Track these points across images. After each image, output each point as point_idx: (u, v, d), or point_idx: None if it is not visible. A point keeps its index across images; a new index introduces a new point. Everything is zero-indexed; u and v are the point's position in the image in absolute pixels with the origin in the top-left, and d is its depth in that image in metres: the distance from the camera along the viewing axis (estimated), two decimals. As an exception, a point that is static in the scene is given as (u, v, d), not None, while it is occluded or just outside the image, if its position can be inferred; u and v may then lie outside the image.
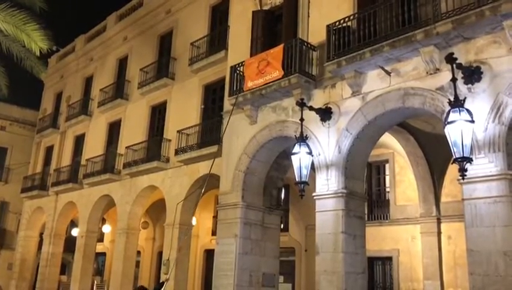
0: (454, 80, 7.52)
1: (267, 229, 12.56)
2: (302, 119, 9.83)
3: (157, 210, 19.89)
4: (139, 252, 20.31)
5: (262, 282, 12.22)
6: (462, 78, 7.99)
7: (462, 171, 7.08)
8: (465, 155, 7.01)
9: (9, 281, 24.57)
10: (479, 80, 7.96)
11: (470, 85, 8.03)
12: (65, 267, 25.30)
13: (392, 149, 14.25)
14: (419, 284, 13.16)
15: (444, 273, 12.73)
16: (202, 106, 16.35)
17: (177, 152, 16.07)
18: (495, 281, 7.25)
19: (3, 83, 15.14)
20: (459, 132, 7.00)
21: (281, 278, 14.75)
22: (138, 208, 18.30)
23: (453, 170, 11.96)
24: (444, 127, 7.23)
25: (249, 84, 11.43)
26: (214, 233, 17.25)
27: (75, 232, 22.19)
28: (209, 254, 18.23)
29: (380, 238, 13.91)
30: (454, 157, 7.13)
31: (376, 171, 15.43)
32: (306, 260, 15.33)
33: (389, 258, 14.09)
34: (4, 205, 28.24)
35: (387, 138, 12.66)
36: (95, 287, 20.76)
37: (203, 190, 11.14)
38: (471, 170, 7.42)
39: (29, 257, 24.48)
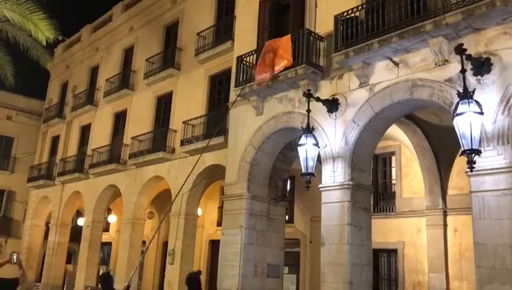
0: (463, 71, 7.43)
1: (272, 221, 12.56)
2: (308, 111, 9.76)
3: (162, 200, 19.95)
4: (144, 242, 20.41)
5: (267, 273, 12.25)
6: (472, 69, 7.89)
7: (471, 163, 7.02)
8: (473, 147, 6.94)
9: (15, 270, 24.75)
10: (488, 71, 7.86)
11: (479, 77, 7.93)
12: (71, 257, 25.50)
13: (398, 141, 14.17)
14: (424, 276, 13.15)
15: (449, 266, 12.70)
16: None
17: (182, 143, 16.07)
18: (502, 273, 7.21)
19: (9, 72, 15.17)
20: (467, 124, 6.92)
21: (286, 269, 14.79)
22: (144, 199, 18.36)
23: (459, 162, 11.90)
24: (452, 119, 7.15)
25: (258, 77, 11.21)
26: (219, 224, 17.30)
27: (81, 221, 22.34)
28: (214, 245, 18.29)
29: (385, 231, 13.88)
30: (462, 149, 7.06)
31: (382, 163, 15.37)
32: (311, 252, 15.35)
33: (395, 251, 14.07)
34: (11, 194, 28.44)
35: (394, 130, 12.59)
36: (100, 275, 20.89)
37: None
38: (480, 162, 7.36)
39: (36, 246, 24.68)
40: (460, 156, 7.50)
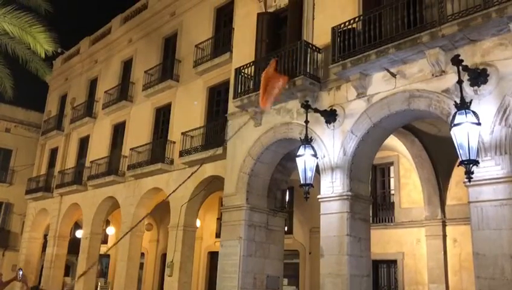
0: (460, 82, 7.49)
1: (271, 232, 12.53)
2: (306, 121, 9.81)
3: (161, 212, 19.89)
4: (143, 254, 20.32)
5: (266, 284, 12.18)
6: (468, 80, 7.95)
7: (469, 173, 7.05)
8: (471, 158, 6.97)
9: (14, 282, 24.60)
10: (485, 82, 7.92)
11: (476, 87, 7.98)
12: (69, 269, 25.33)
13: (397, 152, 14.20)
14: (424, 287, 13.09)
15: (449, 277, 12.65)
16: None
17: (181, 154, 16.07)
18: (502, 284, 7.19)
19: (8, 84, 15.21)
20: (465, 134, 6.96)
21: (285, 281, 14.71)
22: (142, 210, 18.29)
23: (458, 172, 11.91)
24: (450, 130, 7.19)
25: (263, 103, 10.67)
26: (218, 235, 17.24)
27: (79, 233, 22.24)
28: (213, 256, 18.21)
29: (384, 241, 13.85)
30: (460, 159, 7.09)
31: (381, 173, 15.38)
32: (310, 263, 15.28)
33: (394, 261, 14.03)
34: (8, 206, 28.34)
35: (393, 140, 12.62)
36: (99, 288, 20.76)
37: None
38: (478, 172, 7.39)
39: (34, 258, 24.51)
40: (458, 166, 7.53)
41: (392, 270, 14.21)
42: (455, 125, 7.04)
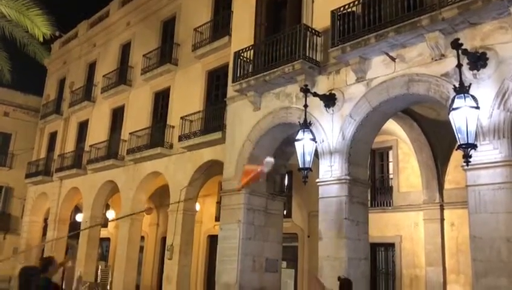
0: (459, 66, 7.46)
1: (270, 215, 12.62)
2: (306, 106, 9.80)
3: (160, 196, 19.98)
4: (143, 238, 20.46)
5: (265, 267, 12.31)
6: (468, 64, 7.92)
7: (467, 157, 7.08)
8: (469, 142, 6.99)
9: (15, 265, 24.83)
10: (484, 66, 7.90)
11: (475, 71, 7.96)
12: (69, 253, 25.54)
13: (395, 136, 14.22)
14: (421, 270, 13.23)
15: (446, 260, 12.78)
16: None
17: (180, 138, 16.09)
18: (497, 267, 7.27)
19: (6, 68, 15.14)
20: (463, 118, 6.97)
21: (284, 264, 14.86)
22: (142, 194, 18.39)
23: (456, 156, 11.93)
24: (448, 114, 7.20)
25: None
26: (217, 219, 17.35)
27: (79, 217, 22.38)
28: (212, 240, 18.35)
29: (382, 225, 13.95)
30: (458, 143, 7.11)
31: (380, 157, 15.41)
32: (309, 246, 15.41)
33: (392, 245, 14.14)
34: (8, 190, 28.49)
35: (391, 125, 12.62)
36: (99, 272, 20.96)
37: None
38: (476, 156, 7.41)
39: (34, 241, 24.71)
40: (456, 150, 7.55)
41: (390, 253, 14.33)
42: (454, 109, 7.04)
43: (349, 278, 7.71)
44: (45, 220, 24.54)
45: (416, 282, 13.27)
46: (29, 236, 24.62)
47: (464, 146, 7.03)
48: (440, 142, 13.11)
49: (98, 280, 20.43)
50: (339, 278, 7.28)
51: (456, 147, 7.45)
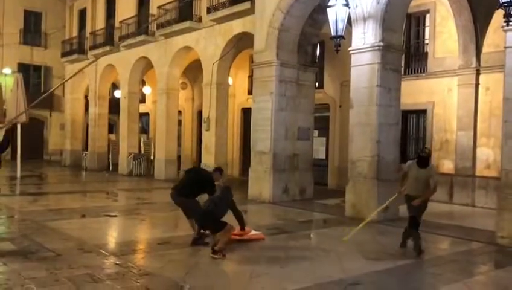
0: None
1: (302, 86, 12.77)
2: (338, -31, 9.29)
3: (194, 71, 20.23)
4: (180, 112, 21.22)
5: (298, 135, 12.84)
6: None
7: (508, 16, 6.79)
8: None
9: (64, 140, 26.67)
10: None
11: None
12: (112, 127, 27.00)
13: (434, -2, 13.46)
14: (452, 134, 13.44)
15: (478, 124, 12.88)
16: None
17: (209, 10, 15.75)
18: (527, 128, 7.37)
19: None
20: (507, -25, 6.54)
21: (316, 133, 15.36)
22: (175, 69, 18.65)
23: (498, 18, 11.33)
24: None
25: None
26: (250, 92, 17.64)
27: (117, 93, 23.17)
28: (246, 112, 18.88)
29: (415, 92, 13.89)
30: (500, 2, 6.77)
31: (416, 22, 14.77)
32: (340, 116, 15.71)
33: (424, 111, 14.21)
34: (48, 69, 29.42)
35: (430, -14, 11.89)
36: (142, 143, 22.29)
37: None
38: (516, 16, 7.06)
39: (78, 117, 26.14)
40: (497, 9, 7.19)
41: (421, 119, 14.48)
42: (498, -35, 6.58)
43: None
44: (85, 97, 25.59)
45: (446, 145, 13.58)
46: (73, 112, 25.95)
47: (505, 4, 6.70)
48: (481, 3, 12.37)
49: (142, 151, 21.81)
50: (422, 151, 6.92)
51: (497, 6, 7.09)
